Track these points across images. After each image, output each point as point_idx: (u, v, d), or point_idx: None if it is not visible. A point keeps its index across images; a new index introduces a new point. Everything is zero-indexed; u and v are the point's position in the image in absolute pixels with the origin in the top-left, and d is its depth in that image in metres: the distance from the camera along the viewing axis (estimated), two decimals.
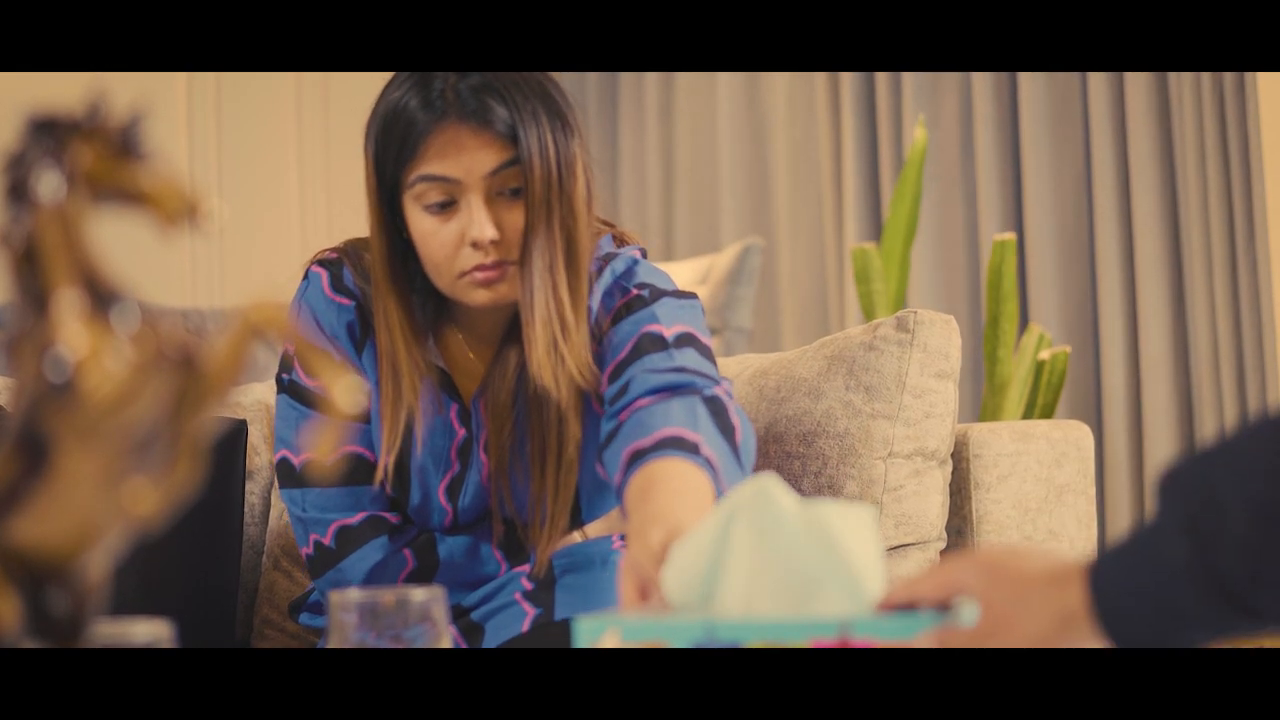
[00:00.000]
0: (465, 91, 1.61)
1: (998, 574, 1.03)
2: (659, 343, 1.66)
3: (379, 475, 1.71)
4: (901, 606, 1.07)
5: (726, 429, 1.57)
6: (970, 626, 1.03)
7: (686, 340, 1.67)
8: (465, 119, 1.61)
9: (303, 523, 1.75)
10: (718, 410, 1.58)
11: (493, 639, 1.68)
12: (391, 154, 1.65)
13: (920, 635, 1.03)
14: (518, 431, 1.71)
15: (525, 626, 1.66)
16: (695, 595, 1.12)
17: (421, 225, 1.65)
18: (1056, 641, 1.00)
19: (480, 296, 1.65)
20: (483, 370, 1.74)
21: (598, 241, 1.74)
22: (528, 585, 1.69)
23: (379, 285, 1.70)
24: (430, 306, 1.73)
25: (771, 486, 1.11)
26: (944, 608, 1.07)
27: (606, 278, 1.73)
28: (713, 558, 1.11)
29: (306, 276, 1.77)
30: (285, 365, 1.77)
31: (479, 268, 1.63)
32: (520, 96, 1.62)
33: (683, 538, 1.13)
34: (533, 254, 1.63)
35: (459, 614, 1.73)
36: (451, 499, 1.74)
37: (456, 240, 1.63)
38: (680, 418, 1.54)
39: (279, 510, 2.20)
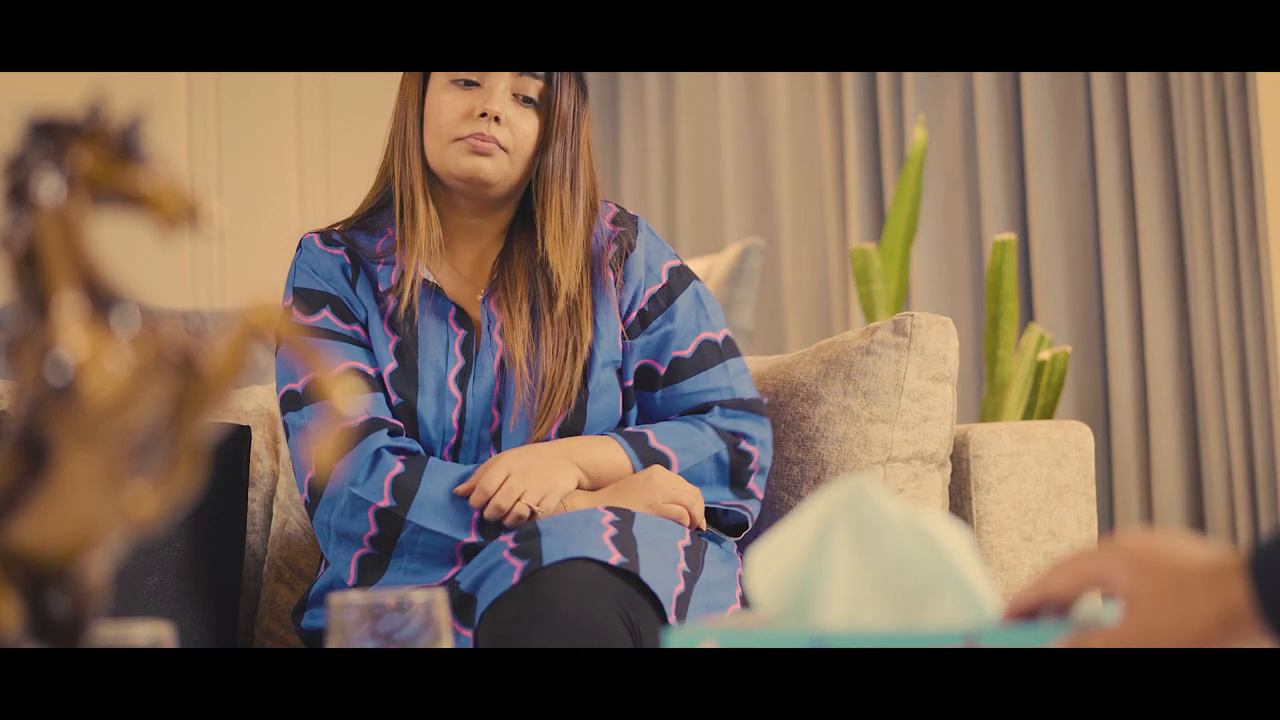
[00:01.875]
0: None
1: (1150, 567, 0.92)
2: (716, 353, 1.93)
3: (405, 291, 1.87)
4: (1032, 607, 0.97)
5: (732, 466, 1.91)
6: (1112, 627, 0.93)
7: (731, 348, 1.94)
8: None
9: (304, 435, 1.84)
10: (738, 462, 1.91)
11: (484, 602, 1.70)
12: None
13: (1055, 643, 0.94)
14: (534, 321, 1.87)
15: (515, 579, 1.67)
16: (790, 602, 1.01)
17: (441, 96, 1.86)
18: (1216, 642, 0.90)
19: (465, 164, 1.84)
20: (473, 290, 1.91)
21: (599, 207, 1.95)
22: (512, 544, 1.72)
23: (409, 146, 1.88)
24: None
25: (870, 487, 1.01)
26: (1065, 607, 0.97)
27: (605, 213, 1.95)
28: (810, 563, 1.01)
29: (300, 245, 1.94)
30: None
31: (478, 136, 1.83)
32: None
33: (769, 538, 1.04)
34: (552, 152, 1.86)
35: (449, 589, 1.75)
36: (461, 386, 1.86)
37: (468, 110, 1.84)
38: (669, 431, 1.90)
39: (280, 520, 2.20)
